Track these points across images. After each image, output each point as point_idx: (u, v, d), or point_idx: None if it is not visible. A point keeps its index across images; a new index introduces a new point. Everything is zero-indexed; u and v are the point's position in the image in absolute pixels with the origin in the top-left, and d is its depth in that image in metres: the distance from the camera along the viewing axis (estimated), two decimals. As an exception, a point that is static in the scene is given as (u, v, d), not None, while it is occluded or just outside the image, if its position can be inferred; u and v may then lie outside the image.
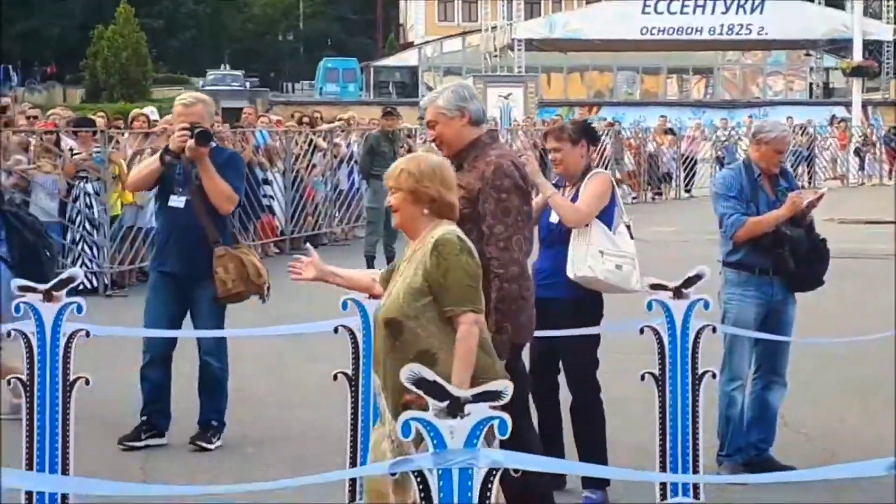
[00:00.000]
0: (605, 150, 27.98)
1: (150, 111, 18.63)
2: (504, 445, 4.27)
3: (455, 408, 4.04)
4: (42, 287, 6.20)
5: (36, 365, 6.17)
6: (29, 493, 5.75)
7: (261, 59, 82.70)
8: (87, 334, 6.25)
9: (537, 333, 6.14)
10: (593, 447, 6.83)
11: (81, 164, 14.65)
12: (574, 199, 6.99)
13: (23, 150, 14.84)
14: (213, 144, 7.92)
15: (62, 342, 6.18)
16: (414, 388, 4.13)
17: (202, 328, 7.90)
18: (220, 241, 7.87)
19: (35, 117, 16.54)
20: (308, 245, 6.30)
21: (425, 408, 4.17)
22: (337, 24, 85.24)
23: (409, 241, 5.12)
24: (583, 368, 6.94)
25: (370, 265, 15.60)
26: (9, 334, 6.39)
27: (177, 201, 7.93)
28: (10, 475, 4.11)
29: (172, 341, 7.99)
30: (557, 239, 6.95)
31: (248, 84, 61.70)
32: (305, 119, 20.59)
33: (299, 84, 77.87)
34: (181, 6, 75.91)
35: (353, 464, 6.37)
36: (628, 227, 7.06)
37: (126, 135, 15.86)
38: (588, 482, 6.84)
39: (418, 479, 4.05)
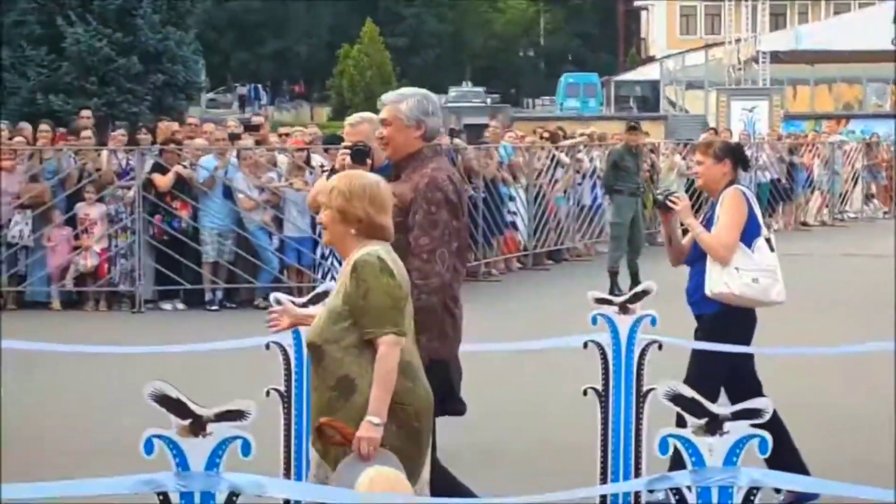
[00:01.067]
0: (854, 163, 27.21)
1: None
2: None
3: (715, 426, 3.97)
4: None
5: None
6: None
7: (502, 76, 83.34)
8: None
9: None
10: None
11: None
12: (710, 214, 7.16)
13: (274, 167, 15.32)
14: (370, 162, 7.89)
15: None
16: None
17: None
18: None
19: (287, 135, 17.00)
20: (275, 294, 6.18)
21: (341, 442, 4.41)
22: (577, 40, 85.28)
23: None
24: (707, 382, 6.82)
25: (613, 281, 15.51)
26: (267, 346, 6.61)
27: None
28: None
29: None
30: (701, 256, 7.07)
31: (489, 100, 62.24)
32: (546, 134, 20.61)
33: (540, 100, 78.13)
34: (424, 25, 77.20)
35: (604, 480, 6.33)
36: (768, 240, 7.09)
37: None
38: None
39: (676, 497, 3.99)
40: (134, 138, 15.48)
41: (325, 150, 15.66)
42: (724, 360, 6.88)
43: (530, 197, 18.74)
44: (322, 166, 15.32)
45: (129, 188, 14.82)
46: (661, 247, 21.01)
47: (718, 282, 6.89)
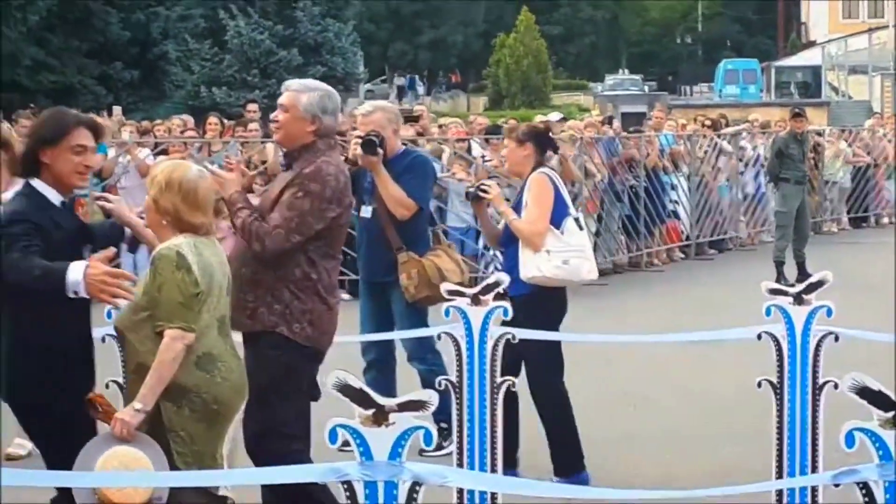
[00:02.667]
0: None
1: (556, 117, 18.92)
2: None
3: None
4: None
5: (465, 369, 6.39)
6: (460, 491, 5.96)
7: (658, 63, 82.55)
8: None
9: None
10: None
11: (492, 171, 15.03)
12: (519, 198, 7.44)
13: (436, 157, 15.40)
14: (380, 152, 7.74)
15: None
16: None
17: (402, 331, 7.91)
18: (403, 247, 7.81)
19: (445, 126, 17.08)
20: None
21: (103, 419, 4.66)
22: (736, 25, 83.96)
23: None
24: (542, 367, 7.27)
25: (779, 271, 15.26)
26: (438, 336, 6.67)
27: (365, 211, 7.97)
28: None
29: (386, 348, 8.01)
30: (508, 241, 7.42)
31: (646, 88, 61.72)
32: (708, 122, 20.35)
33: (697, 87, 77.19)
34: (580, 12, 76.85)
35: (780, 474, 6.24)
36: (576, 220, 7.38)
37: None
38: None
39: (863, 491, 3.90)
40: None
41: (486, 141, 15.71)
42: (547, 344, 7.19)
43: (692, 185, 18.53)
44: (483, 156, 15.39)
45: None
46: (826, 235, 20.79)
47: (531, 266, 7.18)
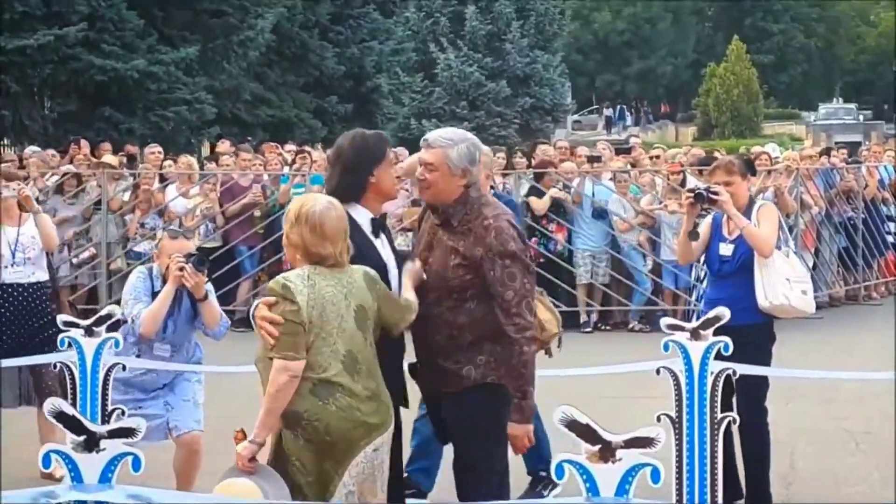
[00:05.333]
0: None
1: (772, 148, 18.60)
2: None
3: None
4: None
5: (685, 404, 6.33)
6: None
7: (874, 91, 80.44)
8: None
9: None
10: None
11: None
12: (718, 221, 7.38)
13: (650, 189, 15.32)
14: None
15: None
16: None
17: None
18: None
19: (657, 157, 16.96)
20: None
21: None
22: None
23: None
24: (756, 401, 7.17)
25: None
26: (658, 371, 6.61)
27: None
28: None
29: None
30: (734, 269, 7.26)
31: (861, 117, 60.19)
32: (929, 152, 19.71)
33: (915, 115, 74.98)
34: (792, 40, 75.47)
35: None
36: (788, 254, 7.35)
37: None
38: None
39: None
40: (510, 162, 15.81)
41: (700, 172, 15.55)
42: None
43: (913, 218, 17.96)
44: (697, 188, 15.21)
45: (505, 211, 15.12)
46: None
47: (779, 294, 7.08)
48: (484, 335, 5.65)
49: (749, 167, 7.61)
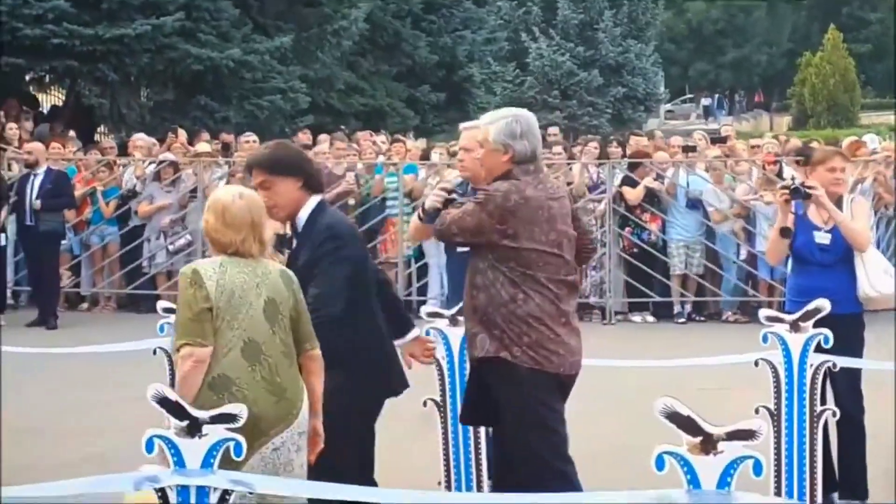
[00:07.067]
0: None
1: (871, 139, 18.31)
2: None
3: None
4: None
5: (783, 396, 6.27)
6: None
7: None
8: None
9: None
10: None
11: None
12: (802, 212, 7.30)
13: (743, 178, 15.17)
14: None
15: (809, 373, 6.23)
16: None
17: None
18: None
19: (757, 146, 16.78)
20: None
21: None
22: None
23: None
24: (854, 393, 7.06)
25: None
26: (756, 363, 6.55)
27: None
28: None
29: None
30: (836, 259, 7.12)
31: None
32: None
33: None
34: (891, 29, 74.16)
35: None
36: None
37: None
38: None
39: None
40: (605, 152, 15.73)
41: (797, 163, 15.34)
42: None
43: None
44: (793, 178, 15.01)
45: (599, 201, 15.08)
46: None
47: (885, 283, 7.04)
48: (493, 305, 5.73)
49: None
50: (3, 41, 19.92)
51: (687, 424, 4.05)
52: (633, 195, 14.85)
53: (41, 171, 14.88)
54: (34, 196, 14.61)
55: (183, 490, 4.25)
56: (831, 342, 6.37)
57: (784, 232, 7.22)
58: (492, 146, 5.69)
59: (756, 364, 6.58)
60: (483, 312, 5.65)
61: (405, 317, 6.05)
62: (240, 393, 4.80)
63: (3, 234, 14.61)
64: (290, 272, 5.20)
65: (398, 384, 5.79)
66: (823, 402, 6.55)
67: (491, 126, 5.73)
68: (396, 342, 5.90)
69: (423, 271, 15.31)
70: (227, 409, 4.40)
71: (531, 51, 44.33)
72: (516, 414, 5.62)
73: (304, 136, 18.51)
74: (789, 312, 6.64)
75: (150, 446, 4.32)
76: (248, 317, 4.93)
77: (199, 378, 4.82)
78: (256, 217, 5.08)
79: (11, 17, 19.72)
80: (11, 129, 17.32)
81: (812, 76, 59.00)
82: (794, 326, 6.39)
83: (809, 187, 7.17)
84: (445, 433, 6.60)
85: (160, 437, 4.32)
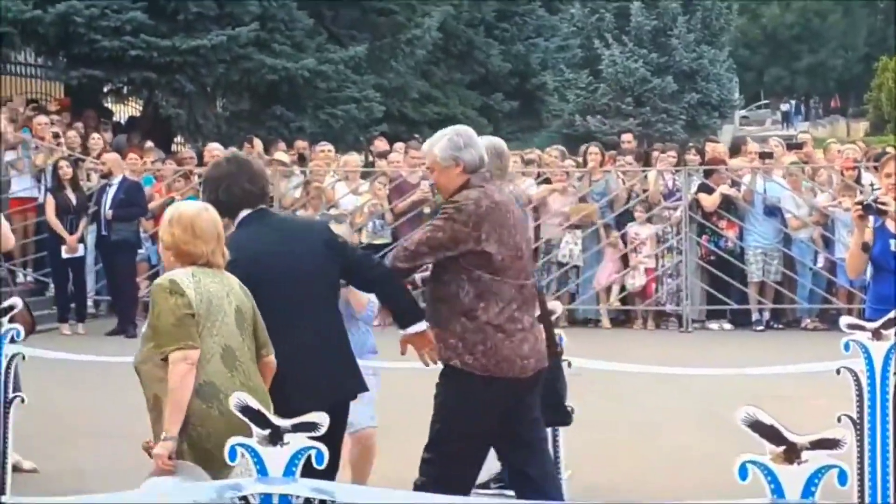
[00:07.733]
0: None
1: (951, 143, 18.06)
2: None
3: None
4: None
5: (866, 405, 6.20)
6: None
7: None
8: None
9: None
10: None
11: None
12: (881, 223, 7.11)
13: (822, 185, 15.02)
14: None
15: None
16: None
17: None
18: None
19: (838, 151, 16.60)
20: None
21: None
22: None
23: None
24: None
25: None
26: (838, 371, 6.47)
27: None
28: None
29: None
30: None
31: None
32: None
33: None
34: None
35: None
36: None
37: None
38: None
39: None
40: (682, 159, 15.64)
41: (875, 168, 15.17)
42: None
43: None
44: (872, 184, 14.86)
45: (675, 209, 15.00)
46: None
47: None
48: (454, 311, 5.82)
49: None
50: (81, 53, 20.18)
51: (770, 433, 4.01)
52: (709, 202, 14.76)
53: (116, 181, 15.07)
54: (107, 206, 14.81)
55: (266, 498, 4.28)
56: None
57: (864, 247, 7.14)
58: (442, 164, 5.92)
59: (838, 372, 6.50)
60: (446, 322, 5.79)
61: (410, 310, 6.01)
62: (226, 401, 4.77)
63: (83, 245, 14.82)
64: (242, 285, 5.35)
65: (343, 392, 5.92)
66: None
67: (435, 147, 5.96)
68: (400, 332, 5.98)
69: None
70: (309, 417, 4.42)
71: (604, 58, 44.17)
72: (448, 411, 5.79)
73: (381, 144, 18.55)
74: (870, 320, 6.55)
75: (232, 454, 4.35)
76: (224, 324, 5.13)
77: (192, 379, 4.95)
78: (220, 229, 5.29)
79: (89, 29, 19.95)
80: (94, 140, 17.53)
81: (889, 80, 58.18)
82: (877, 335, 6.31)
83: (882, 203, 7.09)
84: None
85: (243, 445, 4.34)
